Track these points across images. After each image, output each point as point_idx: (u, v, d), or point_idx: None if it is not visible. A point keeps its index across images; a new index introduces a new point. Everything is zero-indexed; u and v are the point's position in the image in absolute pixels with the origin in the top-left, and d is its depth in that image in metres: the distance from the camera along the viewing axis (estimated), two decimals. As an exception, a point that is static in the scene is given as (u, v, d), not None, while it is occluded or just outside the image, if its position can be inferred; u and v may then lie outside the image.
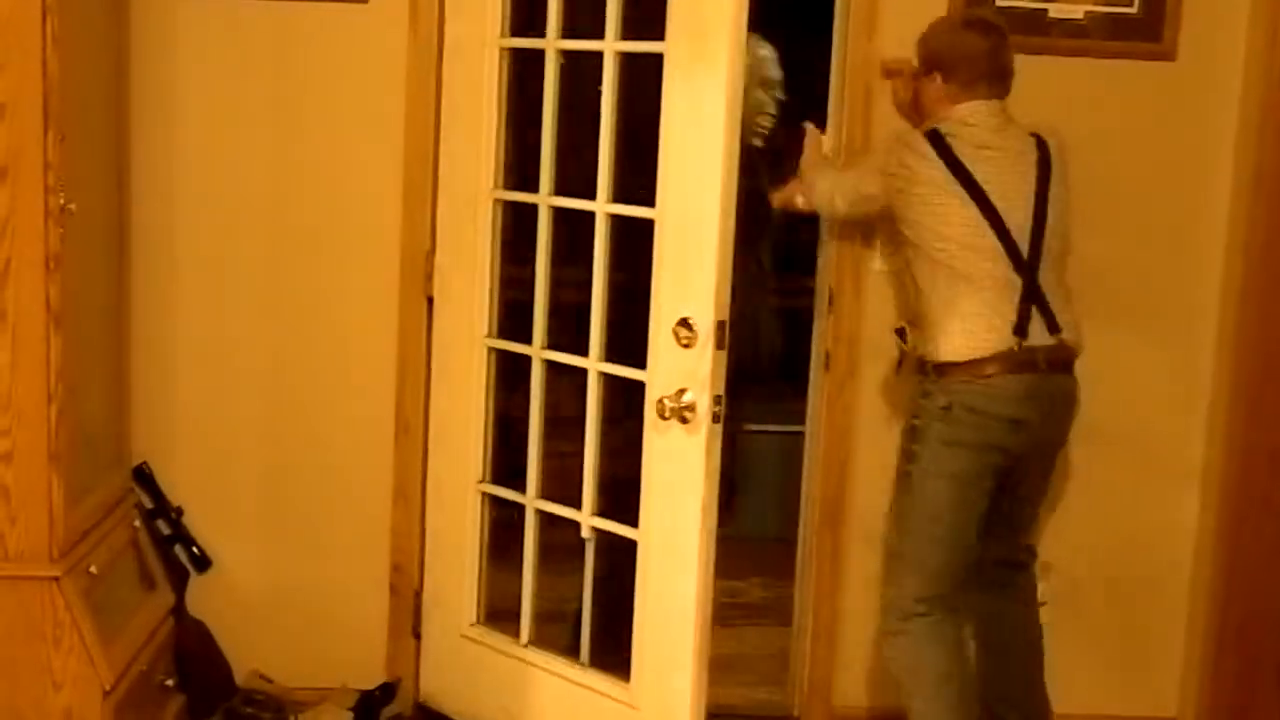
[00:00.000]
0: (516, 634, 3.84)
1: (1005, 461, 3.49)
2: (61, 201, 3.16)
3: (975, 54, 3.52)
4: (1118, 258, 3.93)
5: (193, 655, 3.84)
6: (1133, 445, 4.00)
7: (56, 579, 3.21)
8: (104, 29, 3.55)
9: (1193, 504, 4.00)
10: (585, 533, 3.69)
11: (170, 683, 3.72)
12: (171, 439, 3.93)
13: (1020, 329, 3.44)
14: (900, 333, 3.63)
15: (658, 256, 3.40)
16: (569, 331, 3.77)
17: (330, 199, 3.88)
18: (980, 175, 3.43)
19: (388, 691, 3.95)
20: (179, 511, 3.93)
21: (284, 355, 3.93)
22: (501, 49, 3.73)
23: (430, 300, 3.90)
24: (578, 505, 3.70)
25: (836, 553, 3.99)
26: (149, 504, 3.90)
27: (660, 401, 3.31)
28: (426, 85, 3.82)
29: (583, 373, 3.65)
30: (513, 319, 3.84)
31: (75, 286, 3.27)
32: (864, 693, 4.03)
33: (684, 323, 3.27)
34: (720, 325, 3.23)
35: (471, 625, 3.92)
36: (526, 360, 3.79)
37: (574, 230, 3.74)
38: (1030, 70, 3.82)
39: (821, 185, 3.75)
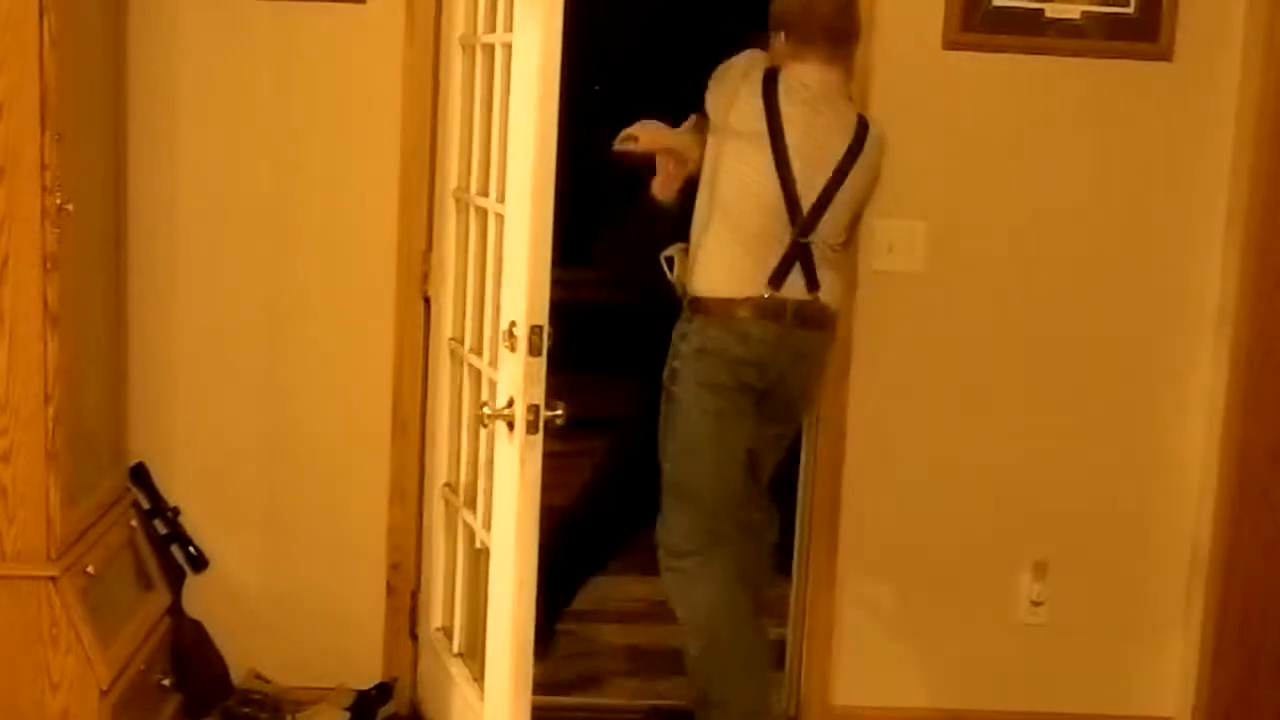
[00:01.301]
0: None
1: (750, 400, 3.59)
2: (59, 201, 3.16)
3: (815, 14, 3.58)
4: (1114, 257, 3.93)
5: (190, 655, 3.84)
6: (1130, 445, 4.00)
7: (54, 579, 3.21)
8: (101, 28, 3.55)
9: (1191, 502, 4.01)
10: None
11: (167, 682, 3.72)
12: (169, 439, 3.92)
13: (775, 280, 3.54)
14: (669, 261, 3.67)
15: (502, 256, 3.22)
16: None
17: (327, 198, 3.88)
18: (790, 130, 3.50)
19: (384, 691, 3.95)
20: (176, 511, 3.93)
21: (281, 355, 3.93)
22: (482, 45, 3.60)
23: (426, 300, 3.90)
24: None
25: (833, 551, 3.99)
26: (146, 504, 3.89)
27: (481, 408, 3.20)
28: (423, 85, 3.82)
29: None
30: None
31: (72, 286, 3.27)
32: (861, 691, 4.03)
33: (511, 328, 3.04)
34: (536, 330, 2.96)
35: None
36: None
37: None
38: (1027, 70, 3.84)
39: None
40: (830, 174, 3.54)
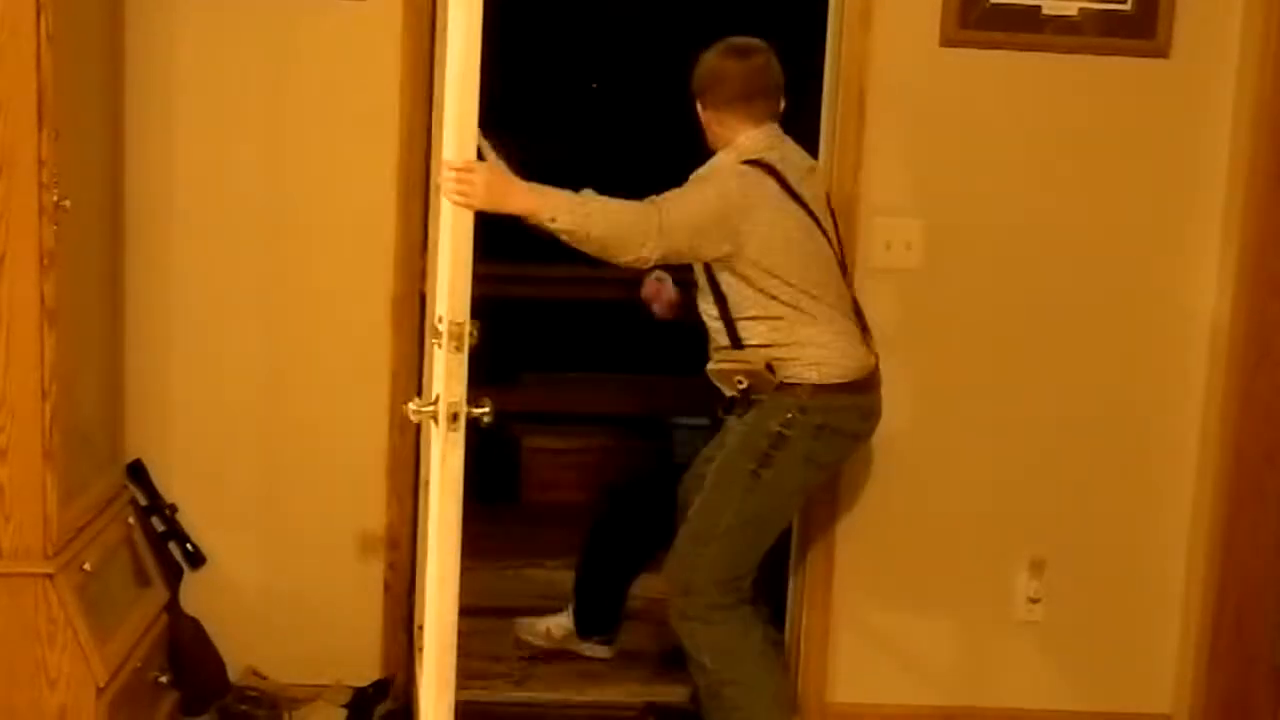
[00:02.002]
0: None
1: None
2: (56, 198, 3.16)
3: (731, 76, 3.55)
4: (1111, 255, 3.93)
5: (187, 652, 3.84)
6: (1127, 443, 4.00)
7: (50, 576, 3.21)
8: (99, 26, 3.55)
9: (1187, 500, 4.01)
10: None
11: (164, 680, 3.72)
12: (166, 436, 3.92)
13: (867, 342, 3.57)
14: (769, 368, 3.47)
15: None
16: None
17: (324, 195, 3.88)
18: (802, 192, 3.48)
19: (381, 688, 3.95)
20: (173, 508, 3.93)
21: (278, 351, 3.93)
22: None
23: (423, 296, 3.90)
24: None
25: (830, 551, 3.99)
26: (143, 501, 3.89)
27: (405, 404, 3.02)
28: (421, 81, 3.82)
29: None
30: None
31: (69, 283, 3.27)
32: (859, 688, 4.03)
33: (437, 323, 2.91)
34: (457, 325, 2.79)
35: None
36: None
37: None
38: (1023, 68, 3.84)
39: (594, 219, 3.32)
40: (830, 220, 3.60)
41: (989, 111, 3.88)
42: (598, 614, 4.35)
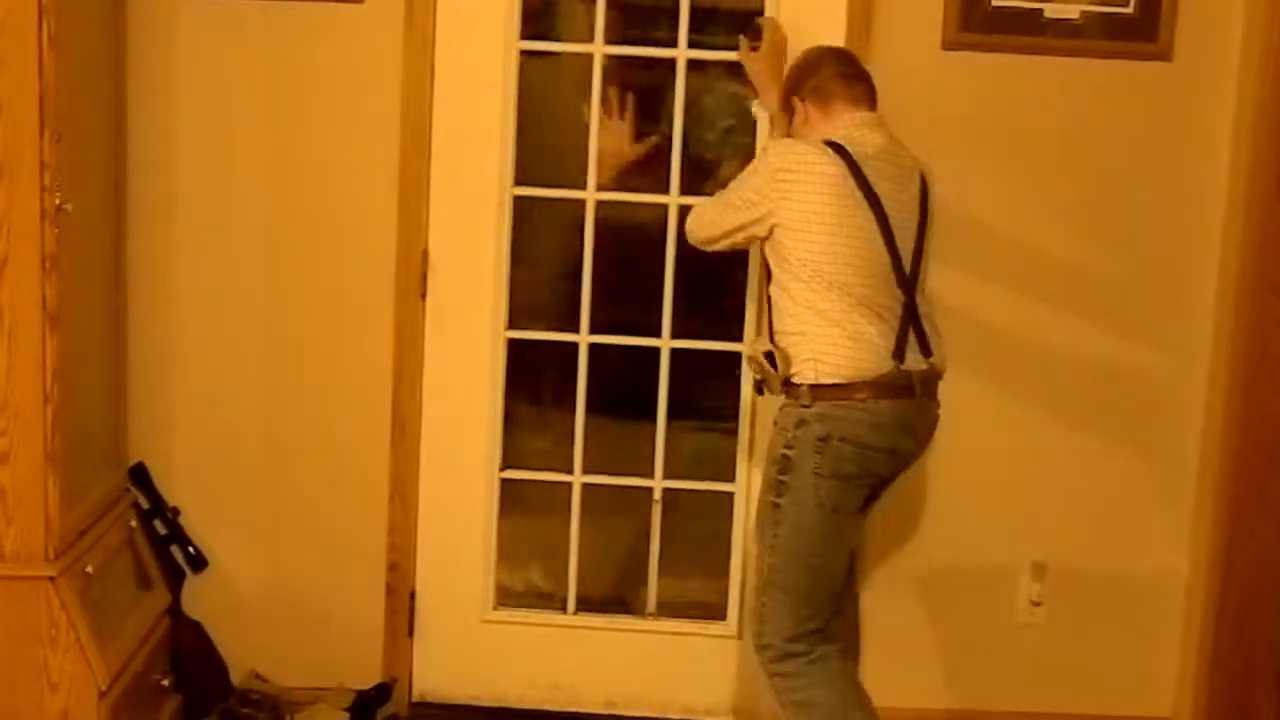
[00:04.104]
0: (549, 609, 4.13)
1: (877, 488, 3.40)
2: (58, 201, 3.17)
3: (824, 58, 3.47)
4: (1113, 258, 3.93)
5: (189, 655, 3.84)
6: (1128, 444, 4.00)
7: (52, 579, 3.21)
8: (100, 29, 3.55)
9: (1188, 503, 4.01)
10: (657, 494, 4.03)
11: (166, 683, 3.73)
12: (168, 439, 3.93)
13: (899, 351, 3.28)
14: (770, 356, 3.31)
15: None
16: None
17: (326, 198, 3.88)
18: (879, 186, 3.27)
19: (383, 691, 3.95)
20: (175, 511, 3.93)
21: (280, 355, 3.93)
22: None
23: (424, 299, 3.90)
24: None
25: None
26: (145, 504, 3.90)
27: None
28: (422, 83, 3.82)
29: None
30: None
31: (71, 287, 3.28)
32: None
33: None
34: None
35: (495, 609, 4.07)
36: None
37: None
38: (1026, 71, 3.84)
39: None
40: (916, 225, 3.34)
41: (991, 114, 3.88)
42: None
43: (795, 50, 3.62)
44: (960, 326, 3.92)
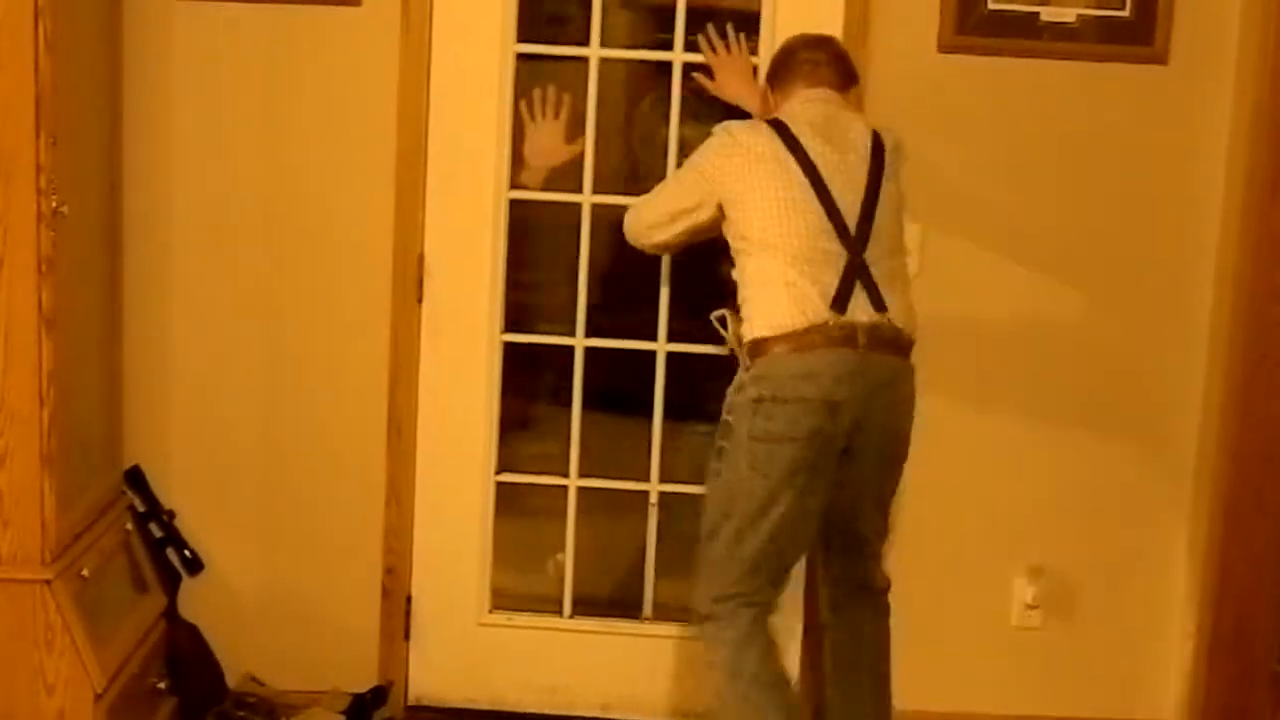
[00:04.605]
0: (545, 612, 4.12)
1: (826, 453, 3.23)
2: (54, 204, 3.17)
3: (788, 52, 3.52)
4: (1110, 261, 3.93)
5: (185, 658, 3.84)
6: (1126, 448, 4.00)
7: (48, 582, 3.21)
8: (97, 31, 3.55)
9: (1185, 505, 4.01)
10: (653, 498, 4.04)
11: (162, 686, 3.72)
12: (164, 442, 3.93)
13: (839, 303, 3.21)
14: (721, 320, 3.37)
15: None
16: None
17: (322, 201, 3.88)
18: (812, 149, 3.28)
19: (379, 695, 3.95)
20: (171, 514, 3.93)
21: (277, 358, 3.93)
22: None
23: (421, 303, 3.90)
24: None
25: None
26: (141, 507, 3.89)
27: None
28: (419, 86, 3.83)
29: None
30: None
31: (68, 290, 3.28)
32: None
33: None
34: None
35: (490, 612, 4.06)
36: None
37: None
38: (1022, 74, 3.84)
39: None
40: (863, 189, 3.31)
41: (987, 118, 3.88)
42: None
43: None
44: (957, 327, 3.93)
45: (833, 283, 3.21)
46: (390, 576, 3.98)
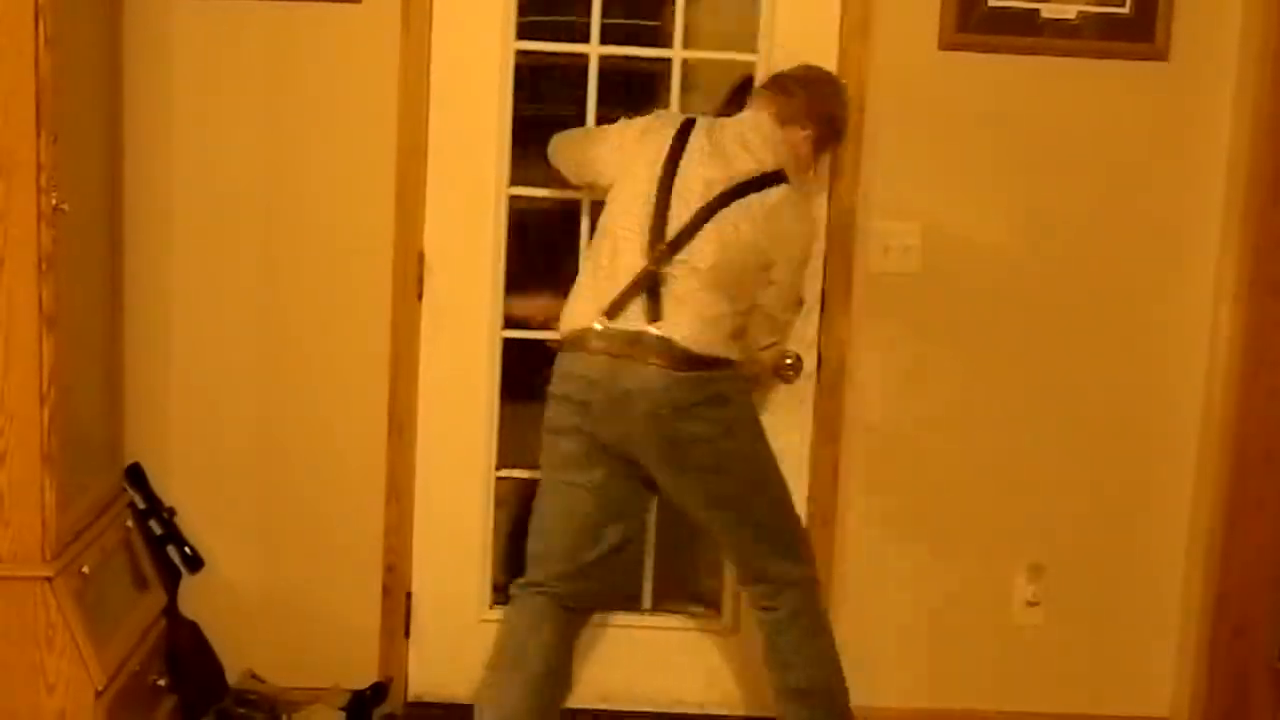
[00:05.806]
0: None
1: (591, 451, 3.39)
2: (54, 202, 3.16)
3: (774, 75, 3.63)
4: (1110, 258, 3.93)
5: (185, 656, 3.84)
6: (1126, 445, 4.00)
7: (49, 580, 3.21)
8: (97, 29, 3.55)
9: (1186, 503, 4.01)
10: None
11: (163, 683, 3.72)
12: (165, 439, 3.92)
13: (613, 311, 3.33)
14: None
15: None
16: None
17: (323, 198, 3.88)
18: (689, 156, 3.38)
19: (379, 691, 3.95)
20: (171, 512, 3.93)
21: (277, 355, 3.93)
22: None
23: (421, 300, 3.90)
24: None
25: (829, 553, 3.98)
26: (141, 504, 3.89)
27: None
28: (419, 84, 3.82)
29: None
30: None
31: (68, 287, 3.27)
32: (857, 691, 4.01)
33: None
34: None
35: (491, 608, 4.05)
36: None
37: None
38: (1022, 71, 3.84)
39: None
40: (703, 209, 3.33)
41: (988, 115, 3.88)
42: None
43: (798, 58, 3.68)
44: (957, 326, 3.94)
45: (616, 290, 3.35)
46: (390, 573, 3.98)
